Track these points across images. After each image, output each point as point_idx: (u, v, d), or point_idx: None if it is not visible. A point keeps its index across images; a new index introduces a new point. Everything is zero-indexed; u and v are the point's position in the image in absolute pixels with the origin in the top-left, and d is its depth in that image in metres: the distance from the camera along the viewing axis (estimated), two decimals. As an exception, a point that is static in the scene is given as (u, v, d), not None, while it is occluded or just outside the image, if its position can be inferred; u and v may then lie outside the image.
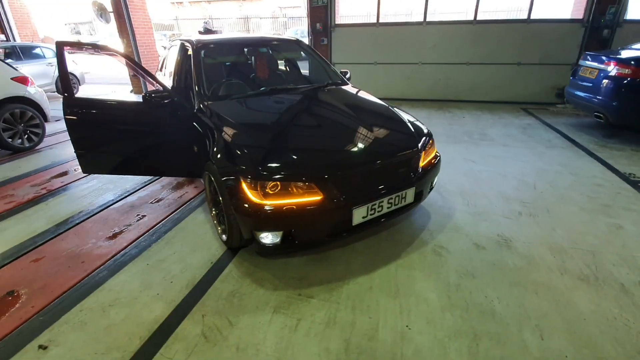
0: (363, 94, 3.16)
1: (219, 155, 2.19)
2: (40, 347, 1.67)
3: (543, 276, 2.11)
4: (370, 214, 2.13)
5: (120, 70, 12.43)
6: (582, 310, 1.84)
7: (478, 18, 6.63)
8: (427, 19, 6.90)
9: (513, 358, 1.58)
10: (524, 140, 4.63)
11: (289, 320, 1.82)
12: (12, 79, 4.55)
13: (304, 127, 2.54)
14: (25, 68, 6.89)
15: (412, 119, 2.70)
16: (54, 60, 7.98)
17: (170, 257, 2.35)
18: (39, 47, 8.71)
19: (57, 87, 8.41)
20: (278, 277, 2.15)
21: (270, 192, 1.93)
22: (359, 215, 2.07)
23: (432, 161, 2.50)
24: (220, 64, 3.32)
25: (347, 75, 3.54)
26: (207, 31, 5.58)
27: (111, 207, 3.07)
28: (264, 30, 22.03)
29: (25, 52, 8.32)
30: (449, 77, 7.16)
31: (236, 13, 26.06)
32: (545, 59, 6.54)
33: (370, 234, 2.55)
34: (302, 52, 3.65)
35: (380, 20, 7.14)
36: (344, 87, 3.25)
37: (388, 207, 2.20)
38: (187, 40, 3.25)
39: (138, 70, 3.00)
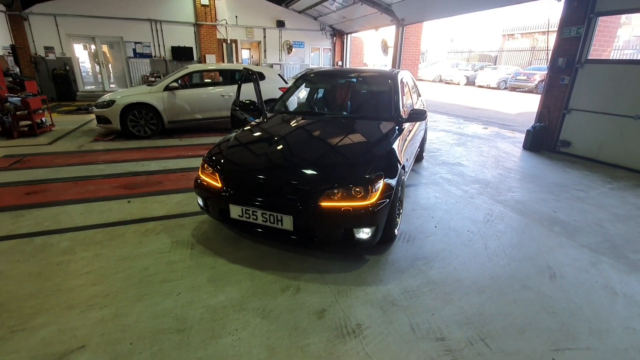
0: (373, 134, 3.12)
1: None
2: (128, 201, 3.68)
3: None
4: (246, 217, 2.55)
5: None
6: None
7: None
8: None
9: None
10: None
11: (167, 243, 2.83)
12: (279, 88, 7.53)
13: (273, 142, 2.99)
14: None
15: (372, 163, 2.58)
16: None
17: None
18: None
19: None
20: (216, 231, 3.08)
21: (206, 170, 2.87)
22: (235, 211, 2.58)
23: (347, 208, 2.36)
24: (318, 89, 4.26)
25: (411, 115, 3.34)
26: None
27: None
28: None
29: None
30: None
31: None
32: None
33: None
34: (388, 86, 3.78)
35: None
36: (374, 123, 3.35)
37: (263, 221, 2.50)
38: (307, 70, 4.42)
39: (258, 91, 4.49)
